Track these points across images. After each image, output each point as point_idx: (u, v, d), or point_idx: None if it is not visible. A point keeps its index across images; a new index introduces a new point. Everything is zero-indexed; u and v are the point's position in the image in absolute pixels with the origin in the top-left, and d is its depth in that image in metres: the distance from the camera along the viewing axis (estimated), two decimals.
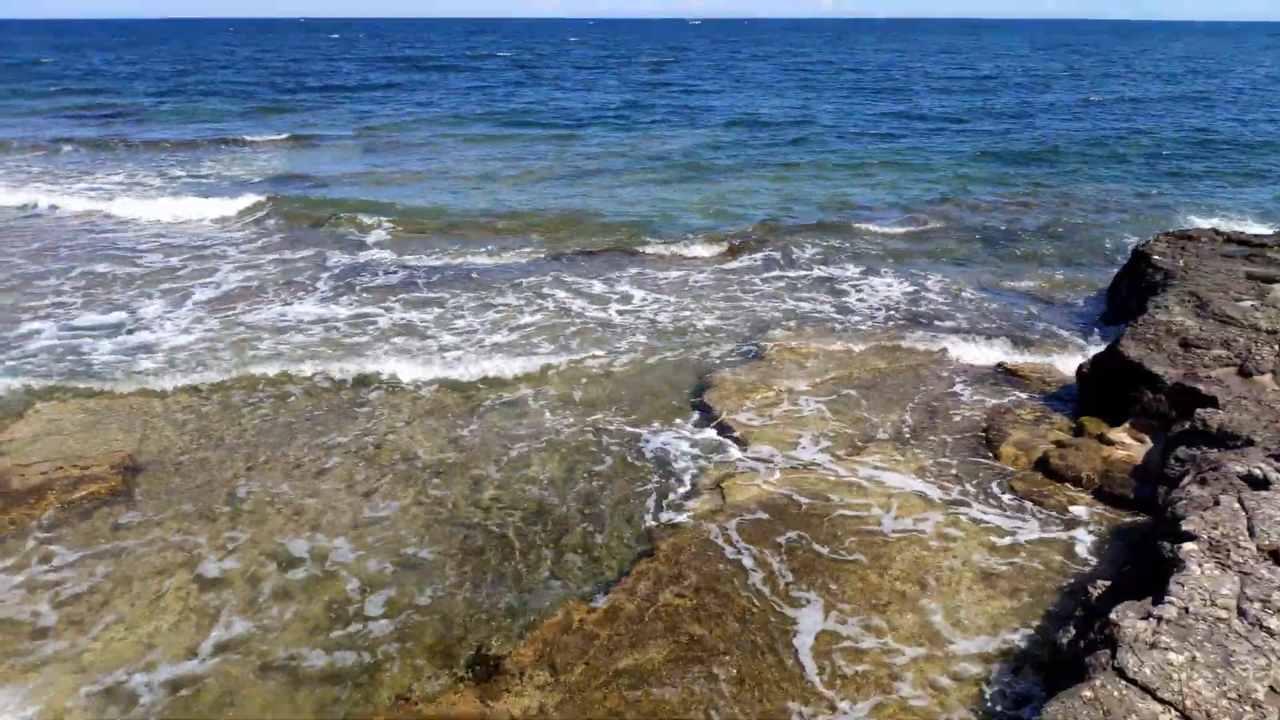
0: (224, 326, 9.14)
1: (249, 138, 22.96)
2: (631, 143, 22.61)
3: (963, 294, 10.33)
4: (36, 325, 9.19)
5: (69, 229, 13.55)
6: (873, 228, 13.59)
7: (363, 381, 7.81)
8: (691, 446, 6.69)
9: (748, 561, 5.19)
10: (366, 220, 13.69)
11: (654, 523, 5.69)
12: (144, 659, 4.46)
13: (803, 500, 5.86)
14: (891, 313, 9.70)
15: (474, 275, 11.12)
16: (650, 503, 5.93)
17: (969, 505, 5.82)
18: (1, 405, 7.30)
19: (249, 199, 14.85)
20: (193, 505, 5.87)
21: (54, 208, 14.80)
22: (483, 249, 12.31)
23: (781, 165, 19.22)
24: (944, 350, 8.44)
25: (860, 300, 10.15)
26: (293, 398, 7.49)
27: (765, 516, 5.67)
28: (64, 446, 6.62)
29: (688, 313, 9.77)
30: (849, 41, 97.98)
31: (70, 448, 6.60)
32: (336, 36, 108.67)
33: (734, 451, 6.58)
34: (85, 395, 7.50)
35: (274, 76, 45.50)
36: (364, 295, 10.27)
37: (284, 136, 23.10)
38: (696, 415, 7.20)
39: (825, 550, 5.31)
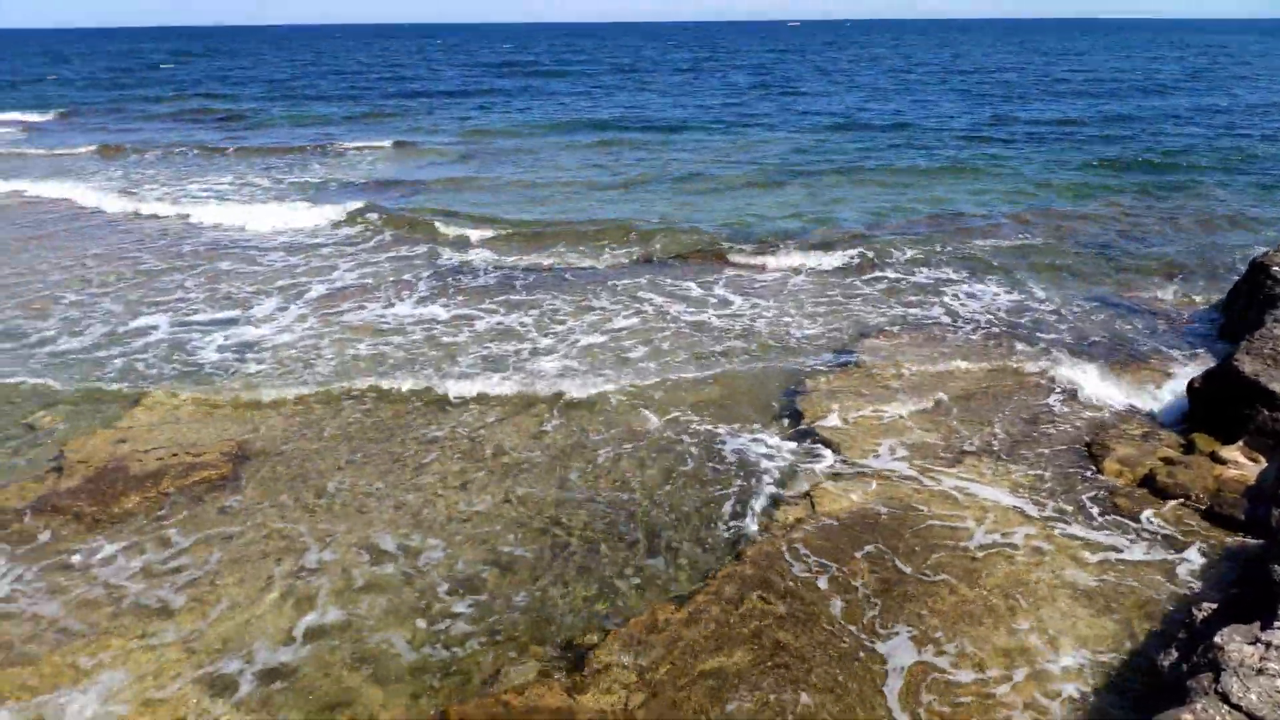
0: (328, 326, 9.48)
1: (352, 144, 23.71)
2: (730, 146, 22.54)
3: (1069, 305, 10.00)
4: (156, 320, 9.70)
5: (184, 231, 14.26)
6: (976, 235, 13.26)
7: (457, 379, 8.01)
8: (782, 453, 6.65)
9: (835, 571, 5.14)
10: (466, 226, 14.00)
11: (742, 528, 5.68)
12: (248, 643, 4.66)
13: (894, 511, 5.77)
14: (993, 323, 9.45)
15: (570, 279, 11.27)
16: (738, 508, 5.93)
17: (1068, 522, 5.64)
18: (123, 395, 7.72)
19: (354, 204, 15.34)
20: (293, 496, 6.11)
21: (183, 215, 15.54)
22: (580, 253, 12.46)
23: (884, 169, 18.87)
24: (1047, 362, 8.19)
25: (961, 309, 9.93)
26: (391, 395, 7.71)
27: (855, 527, 5.61)
28: (179, 435, 6.97)
29: (785, 318, 9.70)
30: (953, 42, 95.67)
31: (184, 436, 6.94)
32: (439, 42, 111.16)
33: (825, 460, 6.52)
34: (199, 385, 7.89)
35: (379, 81, 46.77)
36: (462, 298, 10.51)
37: (388, 143, 23.74)
38: (788, 422, 7.16)
39: (915, 563, 5.23)
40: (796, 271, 11.55)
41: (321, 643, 4.68)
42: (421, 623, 4.83)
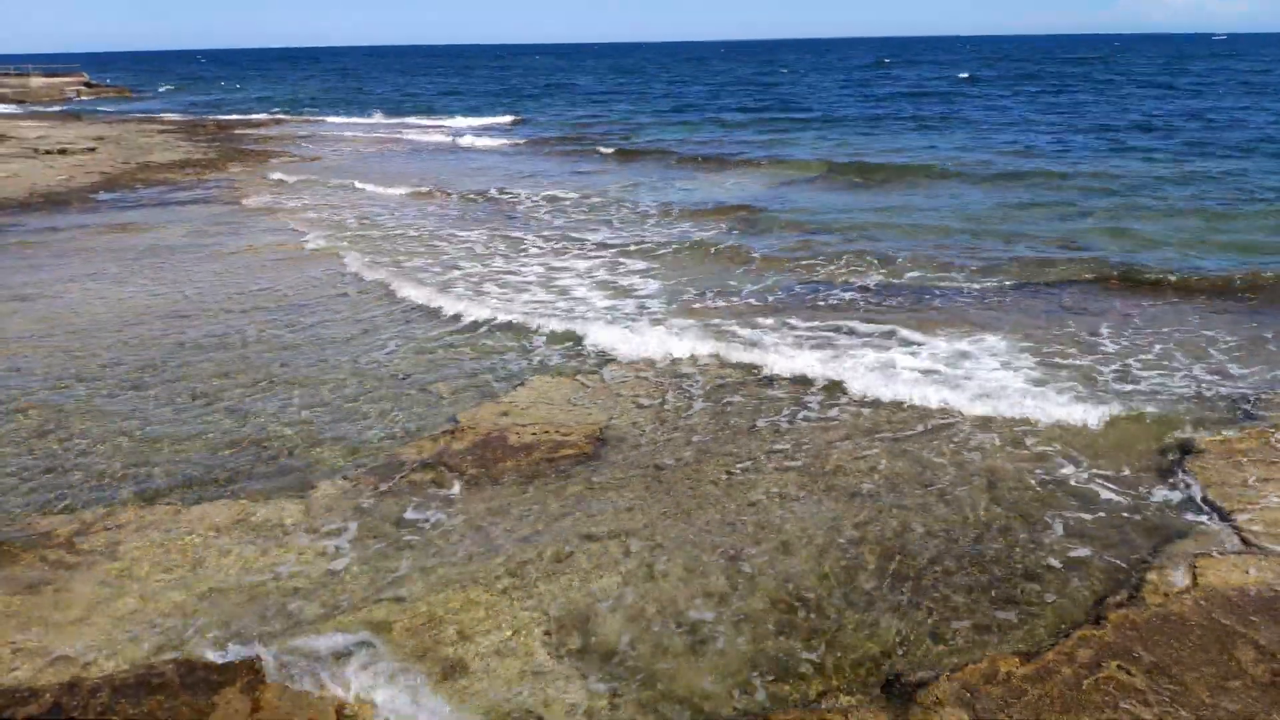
0: (698, 322, 9.90)
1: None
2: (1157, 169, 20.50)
3: None
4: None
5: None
6: None
7: (809, 384, 8.03)
8: (1162, 513, 5.95)
9: (1215, 653, 4.52)
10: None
11: (1105, 590, 5.16)
12: (590, 616, 4.99)
13: None
14: None
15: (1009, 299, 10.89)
16: (1105, 565, 5.39)
17: None
18: (510, 375, 8.61)
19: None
20: (643, 484, 6.45)
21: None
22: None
23: None
24: None
25: None
26: (748, 393, 7.90)
27: (1244, 608, 4.89)
28: (551, 414, 7.64)
29: (1190, 363, 8.65)
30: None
31: (556, 416, 7.60)
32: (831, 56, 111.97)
33: (1213, 527, 5.74)
34: (572, 373, 8.60)
35: (757, 99, 48.08)
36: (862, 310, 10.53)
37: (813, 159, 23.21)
38: (1171, 479, 6.38)
39: None
40: (1222, 308, 10.25)
41: (650, 629, 4.89)
42: (749, 629, 4.89)
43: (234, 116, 42.40)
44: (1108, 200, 16.75)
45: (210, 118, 42.06)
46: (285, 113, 44.46)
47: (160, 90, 72.13)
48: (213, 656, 4.62)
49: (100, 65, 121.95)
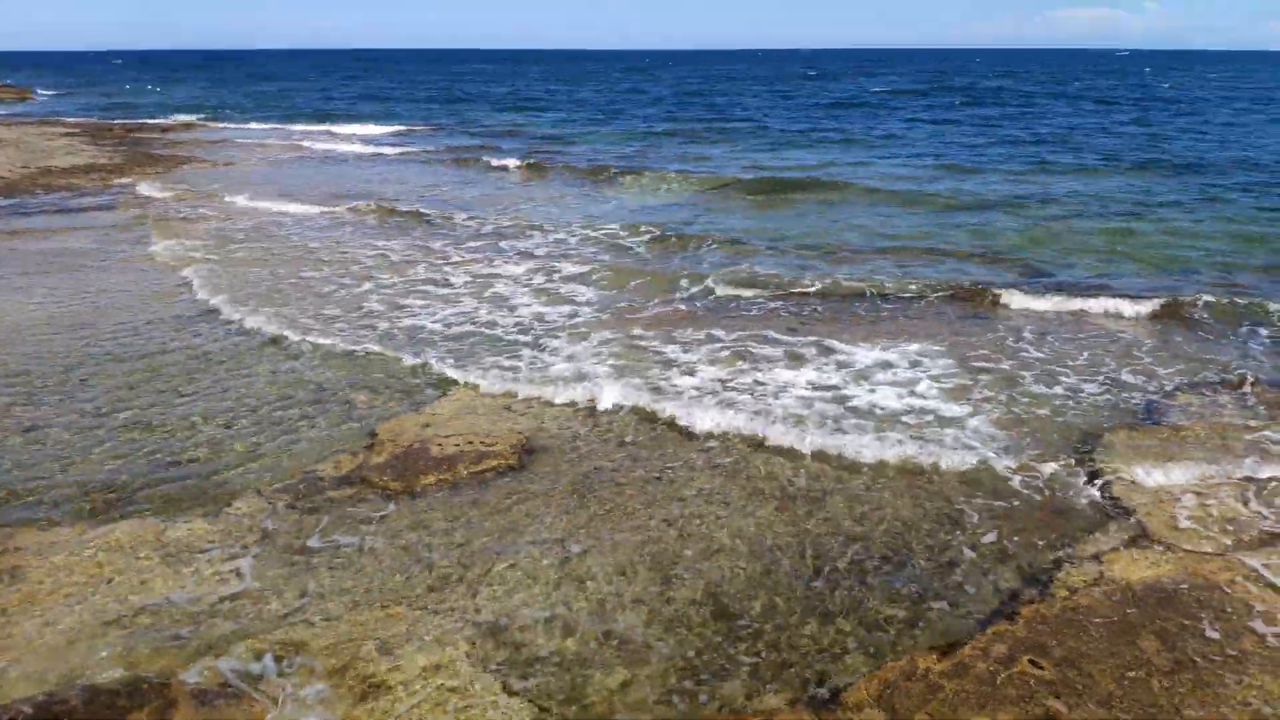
0: (618, 336, 9.91)
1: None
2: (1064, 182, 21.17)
3: None
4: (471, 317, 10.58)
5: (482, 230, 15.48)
6: None
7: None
8: (1070, 511, 6.16)
9: (1120, 644, 4.69)
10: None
11: (1018, 585, 5.32)
12: (514, 626, 4.95)
13: (1196, 589, 5.17)
14: None
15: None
16: (1015, 563, 5.55)
17: None
18: (435, 384, 8.50)
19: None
20: (572, 495, 6.42)
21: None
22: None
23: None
24: None
25: None
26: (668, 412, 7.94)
27: (1149, 600, 5.08)
28: (474, 424, 7.56)
29: (1094, 370, 8.98)
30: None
31: (480, 426, 7.52)
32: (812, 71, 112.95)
33: (1121, 522, 5.96)
34: (500, 377, 8.53)
35: (695, 107, 48.35)
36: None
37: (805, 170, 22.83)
38: (1080, 477, 6.60)
39: (1214, 648, 4.65)
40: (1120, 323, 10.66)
41: (585, 634, 4.87)
42: (677, 636, 4.90)
43: (144, 120, 41.00)
44: (1017, 216, 17.10)
45: (118, 121, 40.61)
46: (201, 118, 43.19)
47: (64, 91, 69.51)
48: (121, 682, 4.45)
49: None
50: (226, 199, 19.24)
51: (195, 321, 10.40)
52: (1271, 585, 5.21)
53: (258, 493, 6.40)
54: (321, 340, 9.72)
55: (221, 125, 40.20)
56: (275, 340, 9.75)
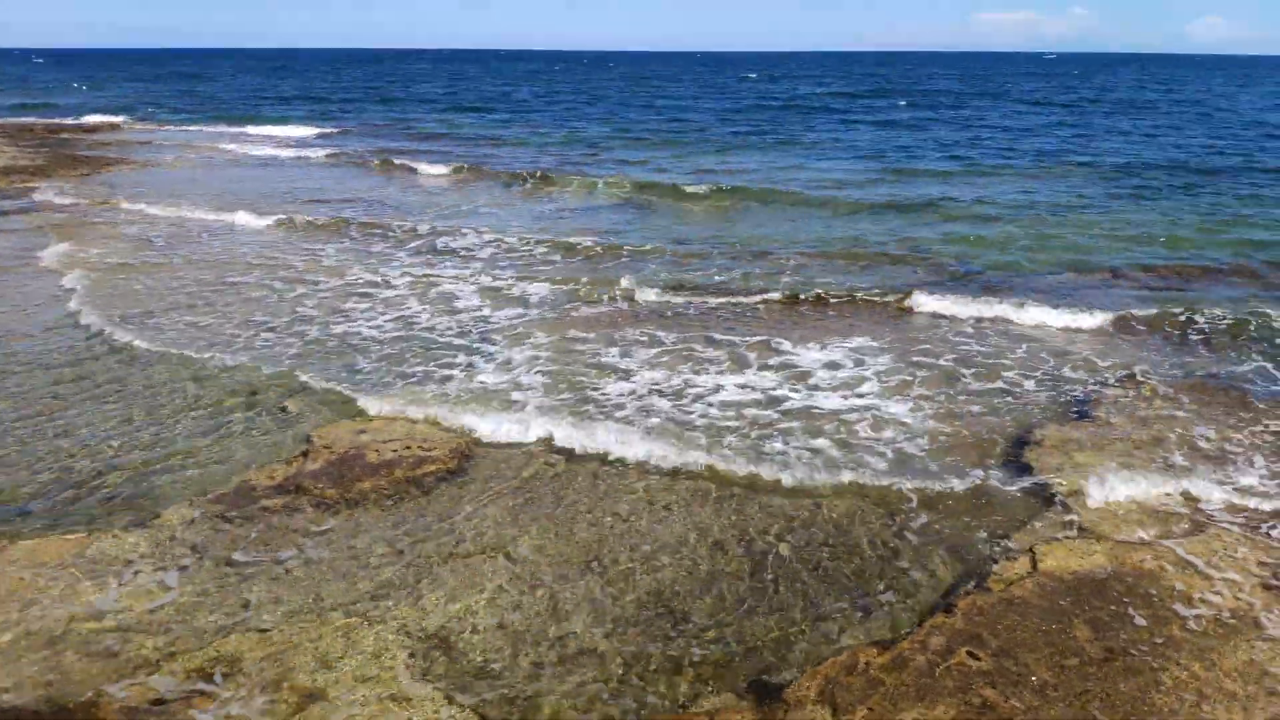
0: (554, 340, 9.85)
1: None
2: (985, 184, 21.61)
3: None
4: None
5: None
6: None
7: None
8: (1003, 503, 6.28)
9: (1054, 633, 4.79)
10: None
11: (953, 579, 5.41)
12: (456, 634, 4.90)
13: (1125, 577, 5.31)
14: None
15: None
16: (951, 558, 5.64)
17: None
18: (372, 388, 8.36)
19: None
20: (511, 500, 6.37)
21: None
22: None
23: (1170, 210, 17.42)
24: None
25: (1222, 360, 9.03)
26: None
27: (1081, 589, 5.20)
28: (412, 429, 7.46)
29: (1023, 365, 9.18)
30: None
31: (418, 431, 7.42)
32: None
33: (1051, 515, 6.10)
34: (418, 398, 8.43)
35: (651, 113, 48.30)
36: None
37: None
38: (1012, 473, 6.74)
39: (1142, 634, 4.78)
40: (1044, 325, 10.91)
41: (528, 639, 4.83)
42: (619, 638, 4.89)
43: (68, 120, 39.75)
44: (951, 219, 17.40)
45: (40, 121, 39.32)
46: (130, 119, 41.97)
47: None
48: (46, 703, 4.29)
49: None
50: (146, 206, 18.45)
51: (120, 329, 10.09)
52: (1197, 572, 5.37)
53: (188, 503, 6.23)
54: (247, 350, 9.52)
55: (153, 126, 39.20)
56: (200, 349, 9.50)
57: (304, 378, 8.59)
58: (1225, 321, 10.36)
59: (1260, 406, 7.89)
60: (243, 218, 17.01)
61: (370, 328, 10.23)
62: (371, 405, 7.89)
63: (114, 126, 38.33)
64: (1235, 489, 6.39)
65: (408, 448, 7.05)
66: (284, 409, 7.87)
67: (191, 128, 38.88)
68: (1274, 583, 5.26)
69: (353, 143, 32.38)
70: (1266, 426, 7.46)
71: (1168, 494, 6.33)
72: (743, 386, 8.39)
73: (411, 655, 4.68)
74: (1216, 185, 20.62)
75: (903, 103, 51.38)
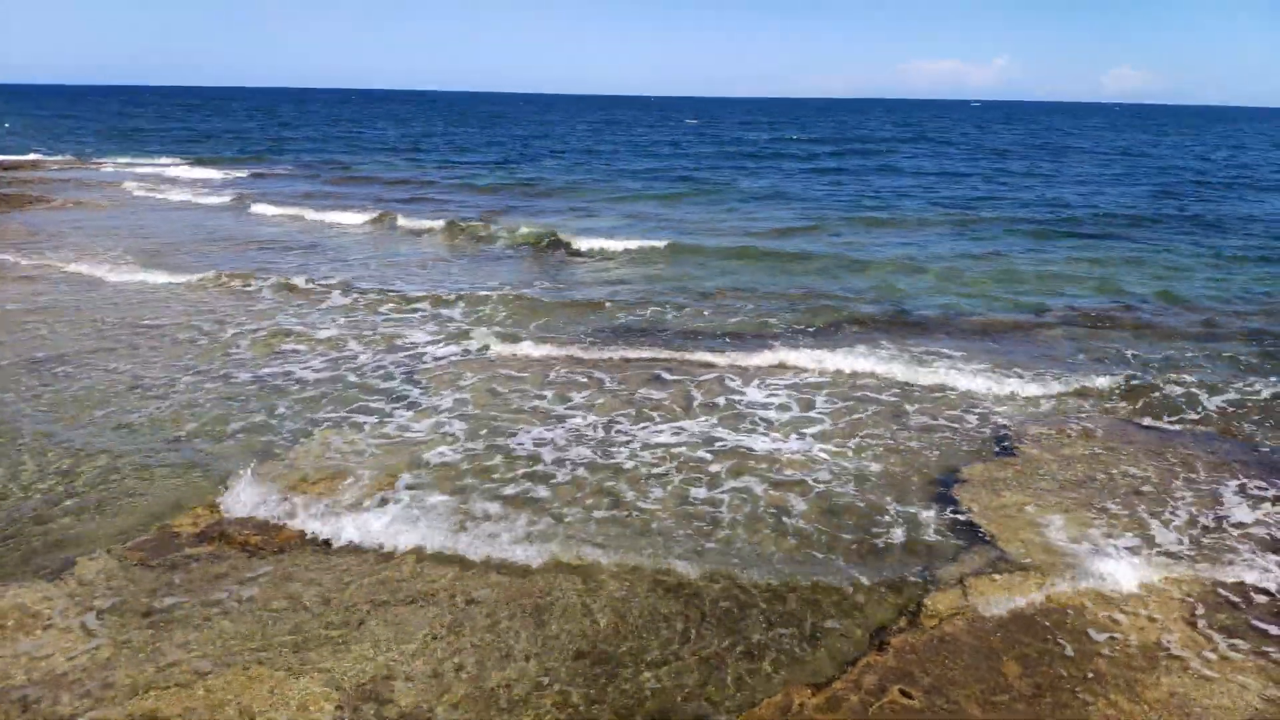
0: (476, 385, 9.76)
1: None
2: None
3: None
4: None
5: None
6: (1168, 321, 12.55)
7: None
8: (933, 541, 6.38)
9: (985, 669, 4.86)
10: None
11: (885, 616, 5.45)
12: (386, 686, 4.78)
13: (1053, 611, 5.42)
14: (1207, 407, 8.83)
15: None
16: (883, 594, 5.69)
17: (1269, 635, 5.15)
18: (293, 430, 8.19)
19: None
20: (446, 541, 6.27)
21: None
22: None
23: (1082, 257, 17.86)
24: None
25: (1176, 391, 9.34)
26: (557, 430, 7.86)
27: (1010, 625, 5.30)
28: (342, 467, 7.31)
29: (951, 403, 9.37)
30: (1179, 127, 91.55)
31: (348, 468, 7.28)
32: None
33: (980, 552, 6.20)
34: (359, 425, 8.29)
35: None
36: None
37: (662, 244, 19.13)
38: (941, 510, 6.85)
39: (1070, 668, 4.88)
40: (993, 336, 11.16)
41: (453, 693, 4.74)
42: (553, 686, 4.82)
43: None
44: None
45: None
46: (54, 155, 40.87)
47: None
48: None
49: None
50: (61, 260, 16.80)
51: (37, 368, 9.75)
52: (1117, 606, 5.50)
53: (106, 551, 6.01)
54: (172, 390, 9.27)
55: (77, 163, 38.22)
56: (129, 386, 9.22)
57: (231, 423, 8.38)
58: (1152, 360, 10.73)
59: (1183, 449, 8.16)
60: (170, 270, 16.53)
61: (304, 369, 10.05)
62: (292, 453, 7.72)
63: (34, 164, 37.29)
64: (1160, 524, 6.59)
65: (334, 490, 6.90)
66: (203, 451, 7.65)
67: (115, 165, 38.02)
68: (1194, 616, 5.42)
69: (285, 183, 31.96)
70: (1189, 465, 7.72)
71: (1092, 529, 6.49)
72: (683, 430, 8.41)
73: (339, 708, 4.55)
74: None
75: (855, 150, 52.30)
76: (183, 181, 32.11)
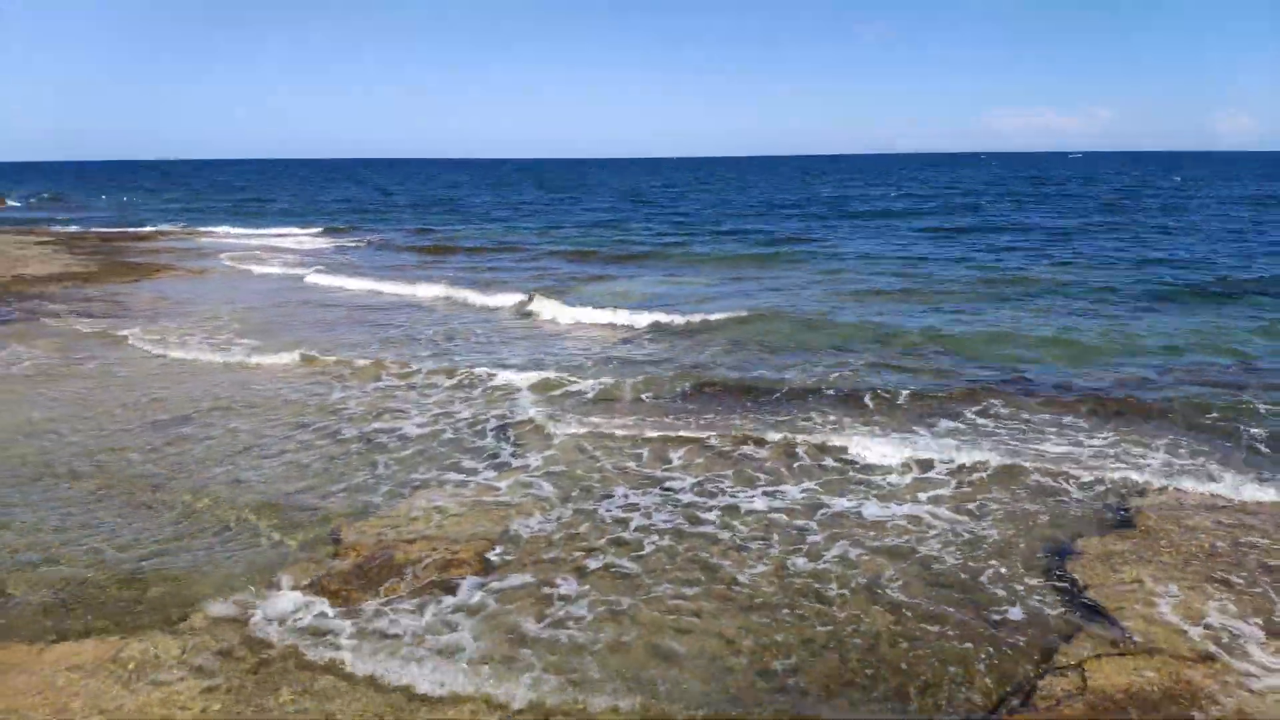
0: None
1: None
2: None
3: None
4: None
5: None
6: None
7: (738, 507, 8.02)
8: (1049, 618, 6.06)
9: None
10: None
11: (999, 696, 5.19)
12: None
13: (1179, 694, 5.08)
14: None
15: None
16: (995, 674, 5.42)
17: None
18: (396, 487, 8.37)
19: None
20: (532, 603, 6.27)
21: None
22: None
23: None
24: None
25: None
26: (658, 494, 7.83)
27: (1132, 708, 4.98)
28: (442, 527, 7.42)
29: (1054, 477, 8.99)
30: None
31: (447, 528, 7.38)
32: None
33: (1099, 631, 5.87)
34: (462, 486, 8.41)
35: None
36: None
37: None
38: (1055, 585, 6.53)
39: None
40: (1063, 419, 10.71)
41: None
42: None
43: (117, 230, 41.17)
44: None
45: (93, 230, 40.77)
46: (183, 225, 43.50)
47: (33, 199, 70.01)
48: None
49: None
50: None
51: (166, 427, 10.24)
52: (1249, 689, 5.13)
53: (220, 604, 6.18)
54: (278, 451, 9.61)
55: (195, 231, 40.53)
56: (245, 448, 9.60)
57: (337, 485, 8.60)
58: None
59: None
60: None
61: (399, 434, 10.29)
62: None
63: (161, 234, 39.61)
64: None
65: (434, 549, 7.00)
66: (310, 507, 7.87)
67: (235, 230, 40.16)
68: None
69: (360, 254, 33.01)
70: None
71: (1219, 605, 6.10)
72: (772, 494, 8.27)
73: None
74: None
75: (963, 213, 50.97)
76: (304, 250, 33.69)
